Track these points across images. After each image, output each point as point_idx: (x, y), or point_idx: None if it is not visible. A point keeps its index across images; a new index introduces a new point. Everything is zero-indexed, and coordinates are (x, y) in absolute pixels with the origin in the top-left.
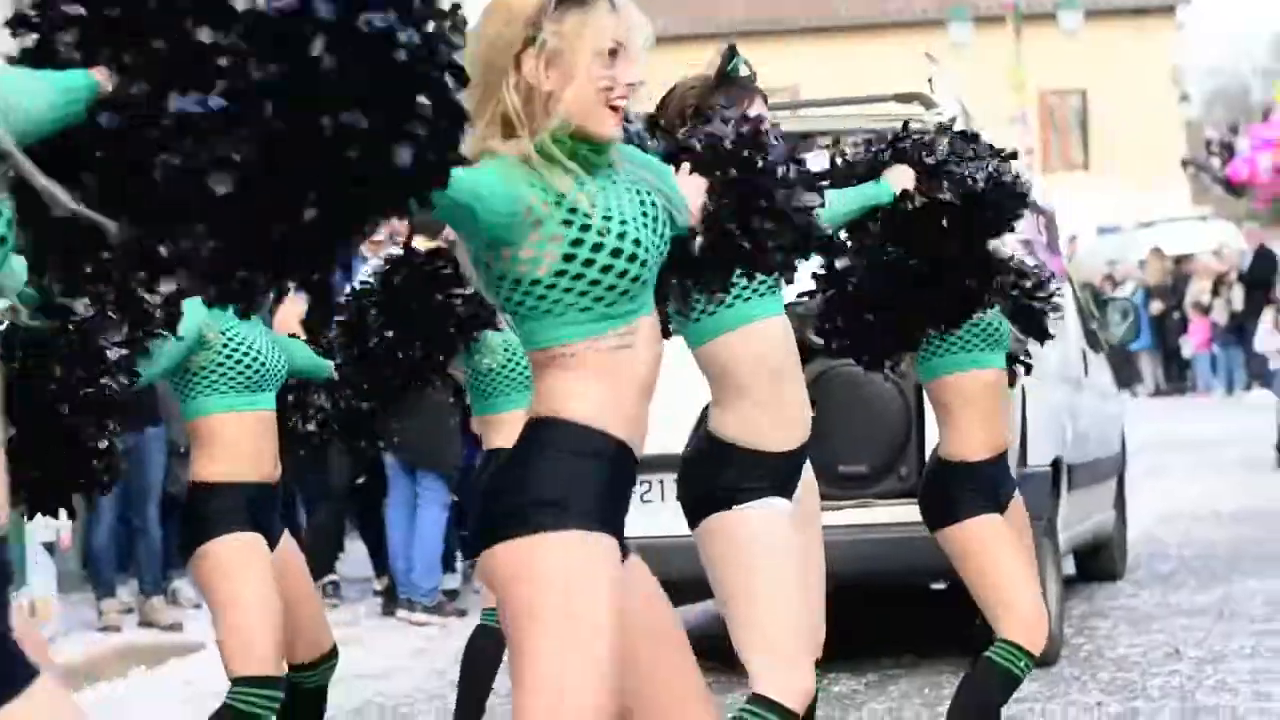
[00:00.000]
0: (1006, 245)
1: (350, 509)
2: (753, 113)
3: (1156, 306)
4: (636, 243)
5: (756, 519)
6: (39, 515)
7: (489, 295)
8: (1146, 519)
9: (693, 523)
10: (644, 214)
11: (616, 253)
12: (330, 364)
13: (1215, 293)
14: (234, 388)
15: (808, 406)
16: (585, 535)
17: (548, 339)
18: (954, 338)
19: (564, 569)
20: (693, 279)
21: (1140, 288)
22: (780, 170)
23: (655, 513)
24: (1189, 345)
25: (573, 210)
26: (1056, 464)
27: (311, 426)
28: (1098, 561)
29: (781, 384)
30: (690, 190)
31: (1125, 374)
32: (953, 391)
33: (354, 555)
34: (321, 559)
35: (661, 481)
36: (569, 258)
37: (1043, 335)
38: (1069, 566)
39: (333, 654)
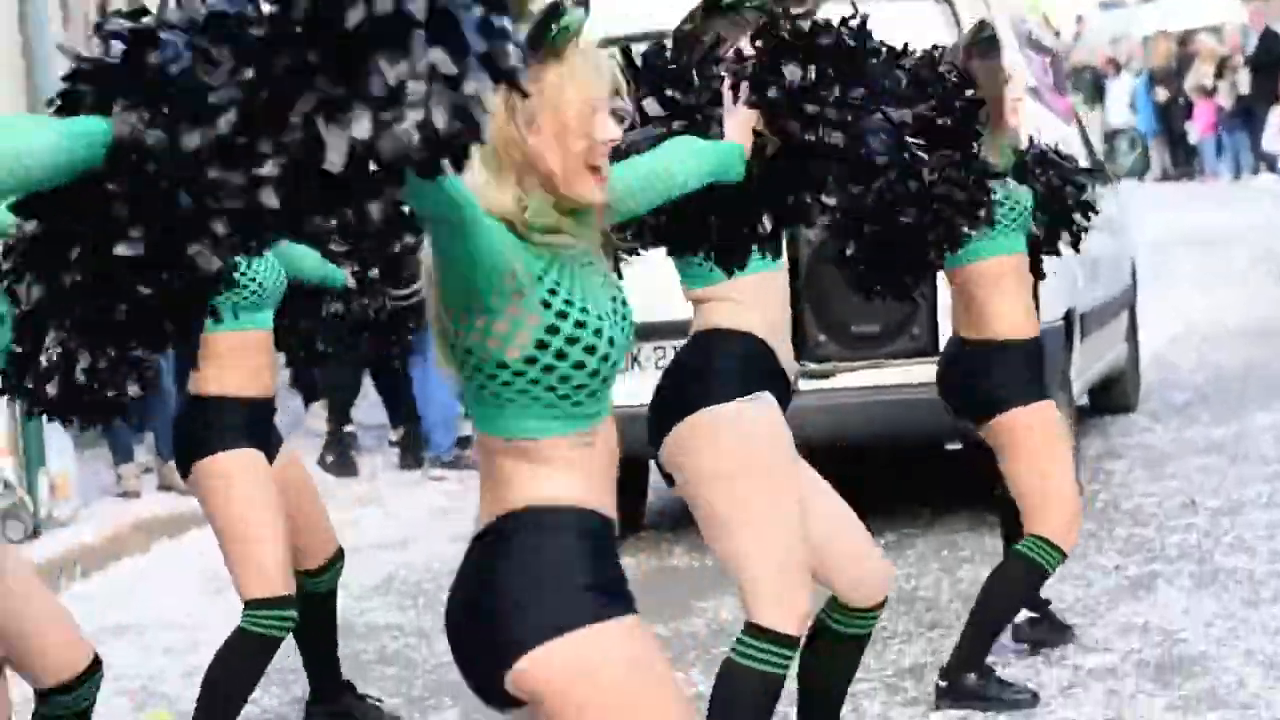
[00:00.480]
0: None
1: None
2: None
3: (1161, 93)
4: (611, 342)
5: (733, 417)
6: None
7: (449, 361)
8: (1157, 339)
9: (658, 439)
10: (614, 311)
11: (590, 349)
12: (343, 274)
13: (1219, 75)
14: (231, 308)
15: (794, 365)
16: (620, 621)
17: (506, 429)
18: (1002, 216)
19: (620, 655)
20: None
21: (1144, 70)
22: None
23: None
24: (1194, 130)
25: (553, 291)
26: (1069, 315)
27: (325, 347)
28: (1110, 395)
29: (772, 332)
30: (736, 129)
31: None
32: (990, 274)
33: (370, 398)
34: (339, 411)
35: (676, 348)
36: (542, 345)
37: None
38: (1082, 399)
39: (338, 556)
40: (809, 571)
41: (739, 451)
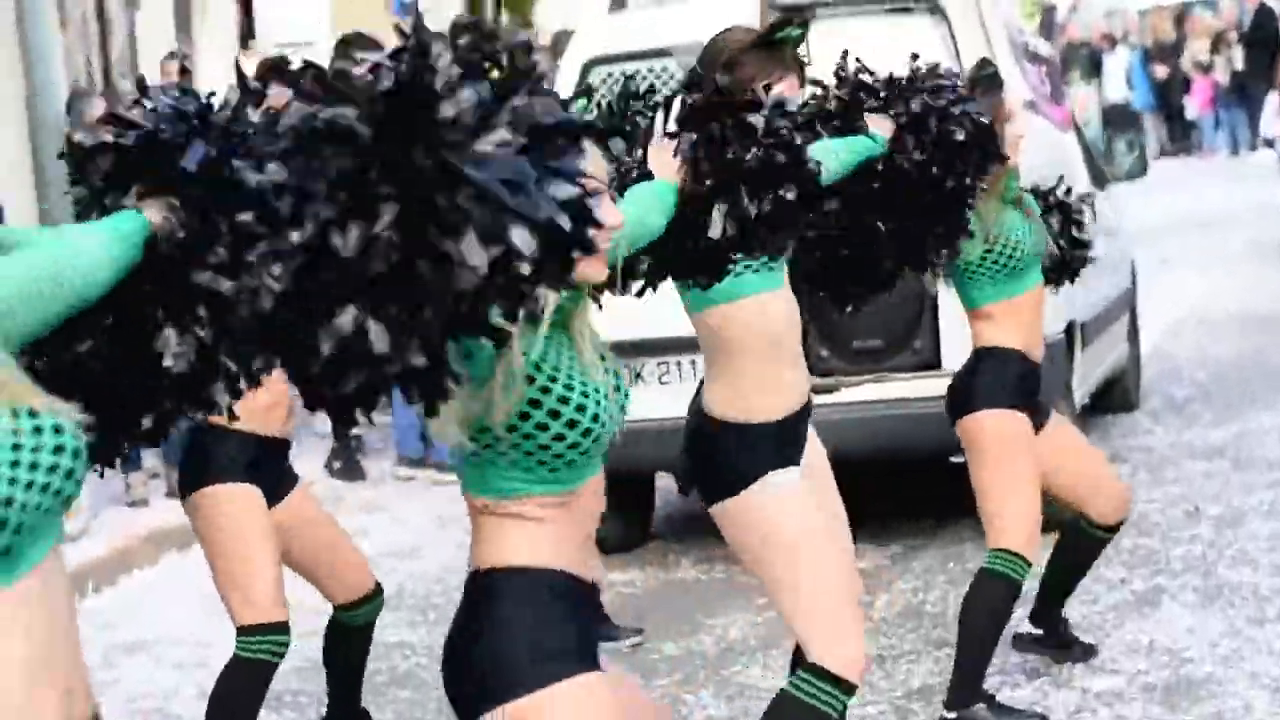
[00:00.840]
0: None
1: None
2: (781, 90)
3: (1159, 69)
4: (595, 419)
5: (767, 499)
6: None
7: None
8: (1157, 329)
9: (707, 501)
10: (603, 385)
11: (572, 424)
12: None
13: (1215, 50)
14: None
15: (805, 377)
16: (585, 680)
17: (484, 489)
18: (987, 269)
19: (566, 715)
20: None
21: (1140, 47)
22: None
23: (676, 395)
24: (1192, 106)
25: (538, 366)
26: (1069, 328)
27: None
28: (1112, 395)
29: (779, 356)
30: (665, 168)
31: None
32: (994, 317)
33: None
34: None
35: (679, 363)
36: (524, 416)
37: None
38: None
39: (377, 592)
40: (860, 620)
41: (775, 528)
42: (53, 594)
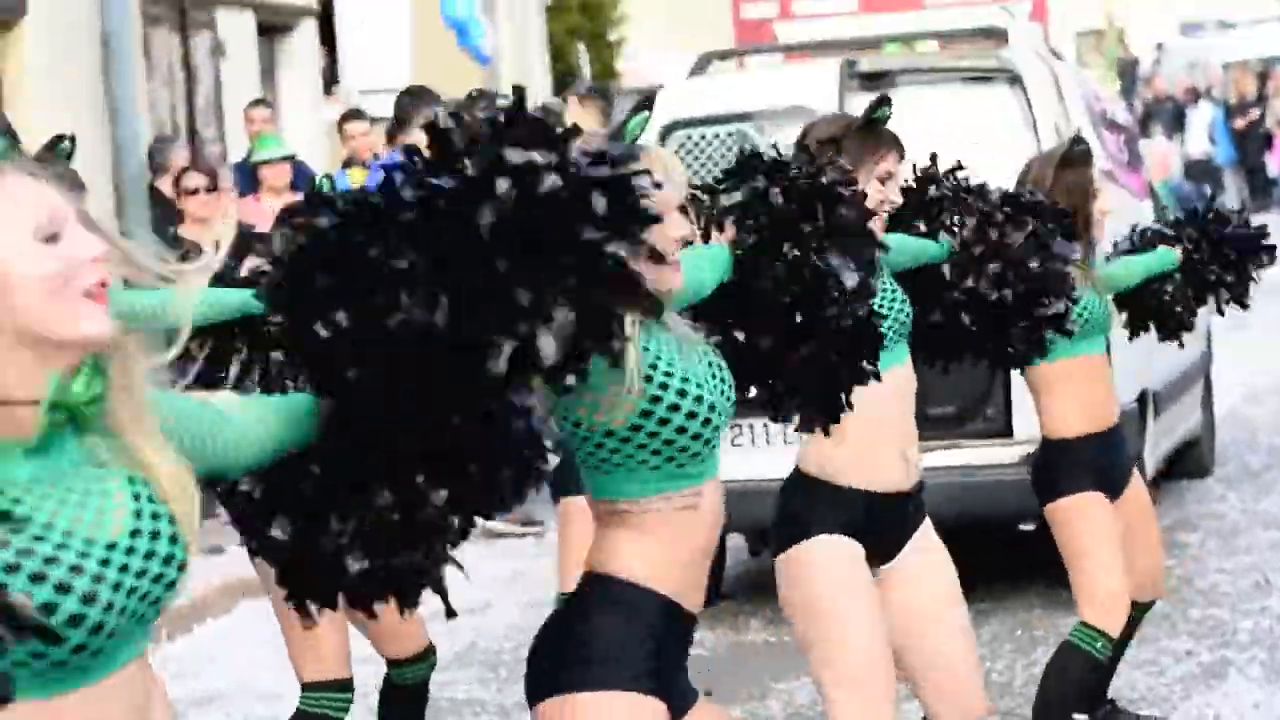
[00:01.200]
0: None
1: None
2: (884, 168)
3: (1240, 124)
4: (712, 408)
5: (818, 553)
6: None
7: (560, 430)
8: (1234, 394)
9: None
10: (712, 375)
11: (691, 415)
12: None
13: None
14: None
15: (914, 458)
16: (629, 697)
17: (614, 492)
18: None
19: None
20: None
21: (1222, 102)
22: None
23: (747, 456)
24: (1273, 164)
25: (653, 366)
26: (1142, 396)
27: None
28: (1185, 461)
29: (878, 430)
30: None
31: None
32: (1046, 379)
33: None
34: None
35: (751, 426)
36: (646, 414)
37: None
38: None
39: (429, 652)
40: (889, 695)
41: (809, 589)
42: (125, 702)
